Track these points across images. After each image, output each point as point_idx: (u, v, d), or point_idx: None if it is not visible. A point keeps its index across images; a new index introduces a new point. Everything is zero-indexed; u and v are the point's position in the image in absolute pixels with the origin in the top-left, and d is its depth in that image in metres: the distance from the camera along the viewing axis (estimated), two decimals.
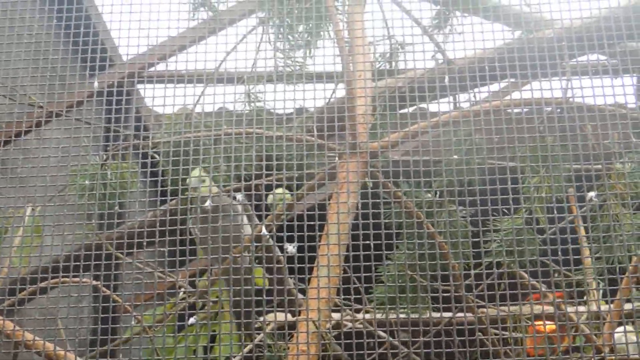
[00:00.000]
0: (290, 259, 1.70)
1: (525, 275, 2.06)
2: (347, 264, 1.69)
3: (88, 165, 1.81)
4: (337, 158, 1.67)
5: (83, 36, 2.01)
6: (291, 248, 1.66)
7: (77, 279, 1.75)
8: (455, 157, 1.70)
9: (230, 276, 1.65)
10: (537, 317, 2.62)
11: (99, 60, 2.00)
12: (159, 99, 1.92)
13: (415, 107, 1.93)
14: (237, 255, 1.75)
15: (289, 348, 1.70)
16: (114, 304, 1.88)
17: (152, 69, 2.42)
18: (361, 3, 1.94)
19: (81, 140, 1.88)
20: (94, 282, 1.81)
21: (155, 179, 2.15)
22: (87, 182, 1.76)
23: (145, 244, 1.74)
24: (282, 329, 2.04)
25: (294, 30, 1.89)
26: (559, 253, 1.63)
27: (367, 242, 1.61)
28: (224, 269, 1.72)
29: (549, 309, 2.16)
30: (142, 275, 1.81)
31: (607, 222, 1.69)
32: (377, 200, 1.65)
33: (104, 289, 1.73)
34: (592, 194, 1.71)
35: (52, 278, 1.79)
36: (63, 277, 1.74)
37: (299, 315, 1.69)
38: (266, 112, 1.79)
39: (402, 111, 2.04)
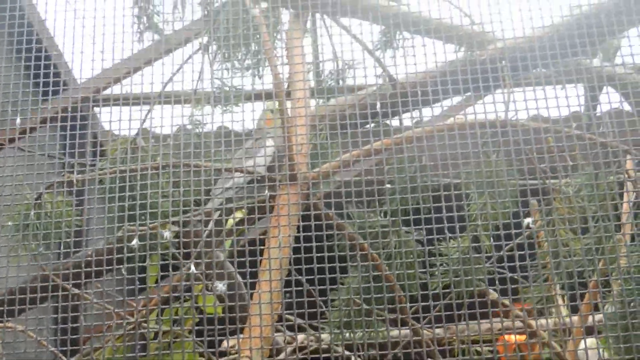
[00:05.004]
0: (223, 299, 1.67)
1: (492, 292, 2.02)
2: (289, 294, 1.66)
3: (21, 200, 1.78)
4: (266, 191, 1.63)
5: (35, 60, 1.99)
6: (221, 286, 1.63)
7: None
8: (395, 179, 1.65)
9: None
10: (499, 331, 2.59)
11: (52, 84, 1.99)
12: (113, 123, 1.91)
13: (369, 124, 1.89)
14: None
15: None
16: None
17: (108, 91, 2.39)
18: (300, 27, 1.91)
19: (30, 167, 1.86)
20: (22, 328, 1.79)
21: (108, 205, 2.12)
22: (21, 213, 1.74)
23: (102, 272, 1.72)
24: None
25: (232, 55, 1.86)
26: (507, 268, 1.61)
27: (310, 276, 1.58)
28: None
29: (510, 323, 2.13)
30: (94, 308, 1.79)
31: (554, 246, 1.65)
32: (319, 233, 1.62)
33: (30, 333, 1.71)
34: (528, 220, 1.69)
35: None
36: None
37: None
38: (206, 140, 1.76)
39: (354, 128, 2.01)
